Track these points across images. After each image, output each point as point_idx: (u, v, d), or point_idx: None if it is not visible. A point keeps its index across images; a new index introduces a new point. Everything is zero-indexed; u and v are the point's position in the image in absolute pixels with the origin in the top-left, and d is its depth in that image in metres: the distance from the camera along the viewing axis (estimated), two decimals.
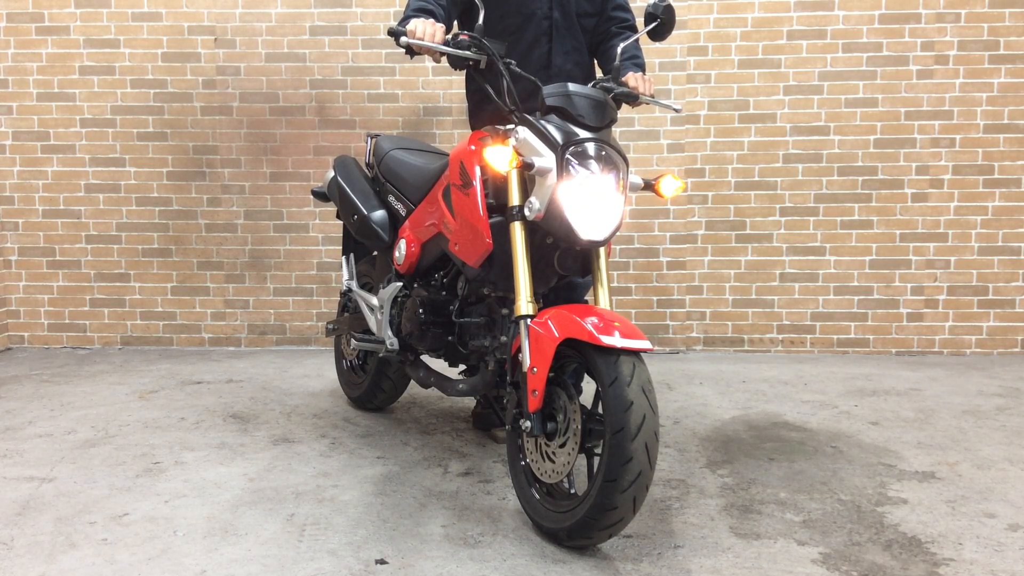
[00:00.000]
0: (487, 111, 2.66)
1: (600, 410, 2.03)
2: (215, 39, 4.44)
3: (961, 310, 4.42)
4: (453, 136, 4.44)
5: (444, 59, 2.39)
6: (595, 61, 2.89)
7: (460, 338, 2.62)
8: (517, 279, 2.18)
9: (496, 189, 2.32)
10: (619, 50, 2.47)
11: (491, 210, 2.31)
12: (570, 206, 2.14)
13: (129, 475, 2.61)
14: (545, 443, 2.15)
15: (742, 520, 2.28)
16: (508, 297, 2.40)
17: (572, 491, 2.13)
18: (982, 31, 4.29)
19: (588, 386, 2.14)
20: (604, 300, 2.28)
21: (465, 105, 4.34)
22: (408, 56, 2.40)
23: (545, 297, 2.59)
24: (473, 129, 2.79)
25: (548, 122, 2.21)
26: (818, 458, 2.79)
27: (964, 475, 2.62)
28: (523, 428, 2.12)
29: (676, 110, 2.58)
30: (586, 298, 2.84)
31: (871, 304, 4.44)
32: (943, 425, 3.16)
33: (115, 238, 4.56)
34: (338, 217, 3.23)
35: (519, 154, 2.18)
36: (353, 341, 2.96)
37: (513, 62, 2.37)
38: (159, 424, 3.15)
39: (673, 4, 2.51)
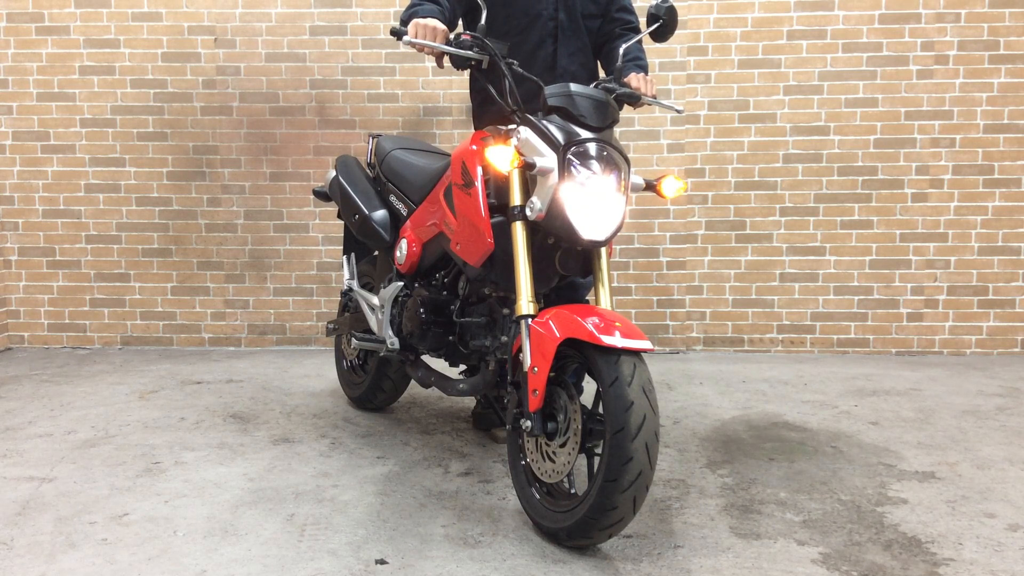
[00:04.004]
0: (490, 111, 2.66)
1: (600, 410, 2.03)
2: (215, 39, 4.44)
3: (961, 310, 4.42)
4: (453, 136, 4.44)
5: (446, 59, 2.40)
6: (599, 62, 2.90)
7: (461, 338, 2.62)
8: (518, 279, 2.18)
9: (498, 189, 2.32)
10: (621, 51, 2.47)
11: (493, 210, 2.32)
12: (571, 206, 2.14)
13: (129, 475, 2.61)
14: (545, 443, 2.15)
15: (742, 520, 2.28)
16: (509, 297, 2.40)
17: (572, 491, 2.13)
18: (982, 31, 4.29)
19: (589, 386, 2.15)
20: (605, 300, 2.28)
21: (465, 105, 4.37)
22: (420, 52, 2.39)
23: (546, 297, 2.59)
24: (476, 129, 2.79)
25: (550, 122, 2.21)
26: (818, 458, 2.79)
27: (964, 475, 2.62)
28: (523, 428, 2.12)
29: (677, 111, 2.58)
30: (587, 298, 2.84)
31: (871, 304, 4.44)
32: (943, 425, 3.16)
33: (115, 238, 4.56)
34: (339, 217, 3.23)
35: (521, 154, 2.18)
36: (354, 341, 2.96)
37: (515, 62, 2.38)
38: (159, 424, 3.15)
39: (674, 5, 2.51)
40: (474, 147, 2.40)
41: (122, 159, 4.51)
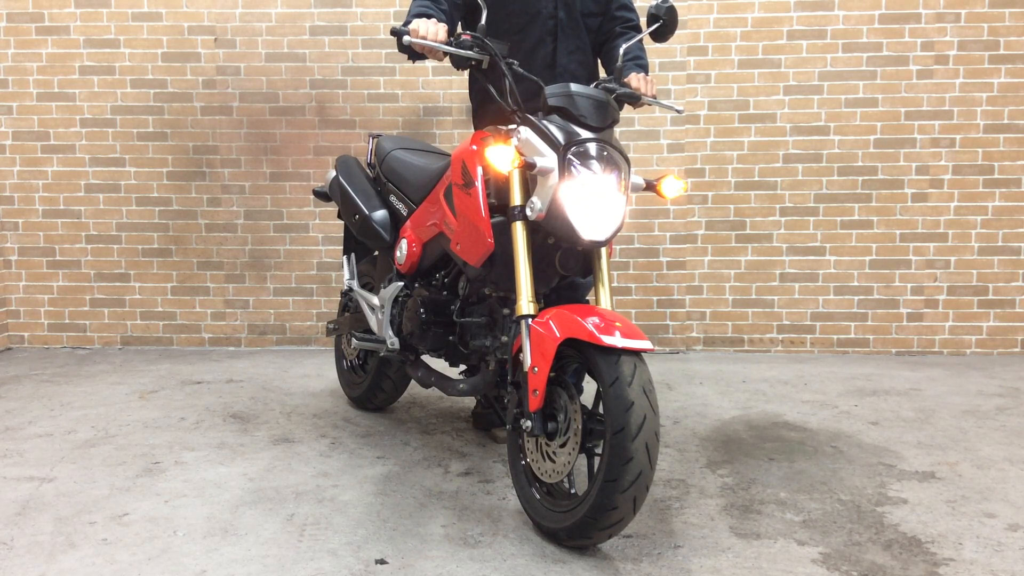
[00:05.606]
0: (490, 111, 2.66)
1: (601, 410, 2.03)
2: (215, 39, 4.44)
3: (961, 310, 4.42)
4: (453, 136, 4.44)
5: (447, 59, 2.40)
6: (599, 61, 2.90)
7: (461, 338, 2.62)
8: (518, 279, 2.18)
9: (498, 189, 2.32)
10: (622, 50, 2.47)
11: (493, 210, 2.32)
12: (572, 206, 2.14)
13: (129, 475, 2.61)
14: (546, 443, 2.15)
15: (742, 520, 2.28)
16: (509, 297, 2.40)
17: (572, 491, 2.13)
18: (982, 31, 4.29)
19: (589, 386, 2.15)
20: (605, 300, 2.28)
21: (465, 105, 4.37)
22: (411, 61, 2.41)
23: (546, 297, 2.59)
24: (476, 129, 2.79)
25: (550, 122, 2.21)
26: (818, 458, 2.79)
27: (964, 475, 2.62)
28: (524, 428, 2.12)
29: (678, 111, 2.58)
30: (587, 298, 2.84)
31: (871, 304, 4.44)
32: (943, 425, 3.16)
33: (115, 238, 4.56)
34: (339, 217, 3.23)
35: (521, 154, 2.18)
36: (354, 341, 2.97)
37: (515, 62, 2.38)
38: (159, 424, 3.15)
39: (674, 5, 2.51)
40: (474, 147, 2.40)
41: (122, 159, 4.51)
